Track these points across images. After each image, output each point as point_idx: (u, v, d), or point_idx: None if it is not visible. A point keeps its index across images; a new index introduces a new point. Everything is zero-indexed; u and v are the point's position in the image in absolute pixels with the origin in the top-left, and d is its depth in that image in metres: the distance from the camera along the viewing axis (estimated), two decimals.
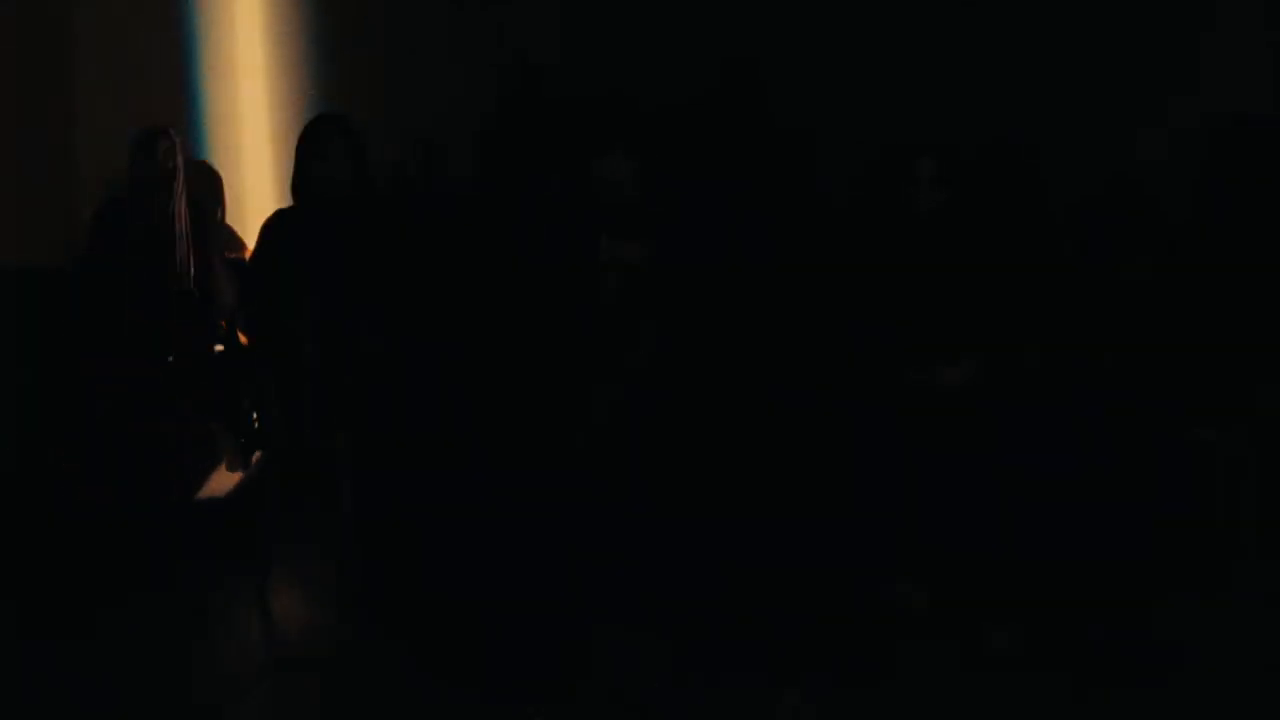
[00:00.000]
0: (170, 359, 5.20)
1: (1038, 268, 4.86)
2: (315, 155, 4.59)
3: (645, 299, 2.10)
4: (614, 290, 2.03)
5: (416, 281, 4.70)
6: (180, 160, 5.12)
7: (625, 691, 2.05)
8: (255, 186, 6.27)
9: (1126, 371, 4.56)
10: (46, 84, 5.57)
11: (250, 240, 5.53)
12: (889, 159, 4.49)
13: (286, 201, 4.72)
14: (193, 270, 5.21)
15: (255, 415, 4.76)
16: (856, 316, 4.33)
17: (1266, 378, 4.40)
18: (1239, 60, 6.10)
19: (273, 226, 4.67)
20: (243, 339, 5.00)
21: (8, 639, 4.14)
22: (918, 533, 4.12)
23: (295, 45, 6.47)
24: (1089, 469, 4.50)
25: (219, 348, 5.14)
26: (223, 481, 4.87)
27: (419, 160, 6.12)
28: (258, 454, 4.66)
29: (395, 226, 4.88)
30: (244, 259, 5.62)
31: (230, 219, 5.96)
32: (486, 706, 2.09)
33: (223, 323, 5.15)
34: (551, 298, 2.06)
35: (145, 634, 4.16)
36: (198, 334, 5.17)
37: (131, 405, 5.20)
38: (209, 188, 5.70)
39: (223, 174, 5.90)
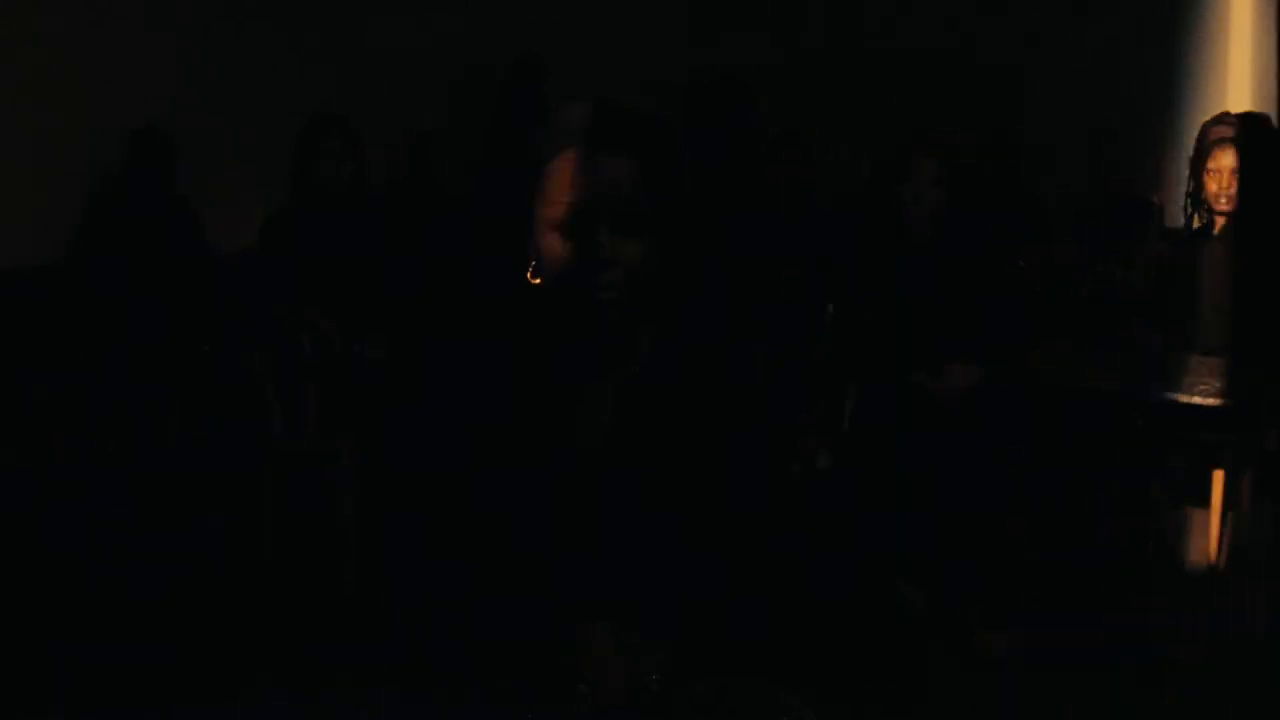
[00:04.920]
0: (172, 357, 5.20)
1: (1037, 268, 4.85)
2: (315, 155, 4.58)
3: (646, 299, 2.08)
4: (614, 290, 2.02)
5: (416, 280, 4.70)
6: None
7: (625, 692, 2.04)
8: None
9: (1129, 374, 4.55)
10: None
11: None
12: (889, 159, 4.48)
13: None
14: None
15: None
16: (860, 318, 4.33)
17: (1268, 379, 4.39)
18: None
19: (273, 225, 4.66)
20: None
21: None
22: (920, 535, 4.12)
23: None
24: (1088, 471, 4.50)
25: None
26: (222, 481, 4.87)
27: (413, 157, 6.13)
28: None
29: (395, 225, 4.88)
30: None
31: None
32: (485, 708, 2.09)
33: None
34: (551, 297, 2.05)
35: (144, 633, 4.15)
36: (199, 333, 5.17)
37: (133, 403, 5.20)
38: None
39: None
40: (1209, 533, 4.31)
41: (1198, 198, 4.46)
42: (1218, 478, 4.33)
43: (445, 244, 5.35)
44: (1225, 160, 4.35)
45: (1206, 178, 4.39)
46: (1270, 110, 6.42)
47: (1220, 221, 4.43)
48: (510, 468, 2.07)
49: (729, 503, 2.10)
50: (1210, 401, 4.05)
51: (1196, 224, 4.49)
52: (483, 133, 6.55)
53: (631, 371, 2.11)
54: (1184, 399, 4.07)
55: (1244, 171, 4.33)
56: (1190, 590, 4.23)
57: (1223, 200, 4.37)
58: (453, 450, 2.10)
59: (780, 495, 2.16)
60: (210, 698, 3.72)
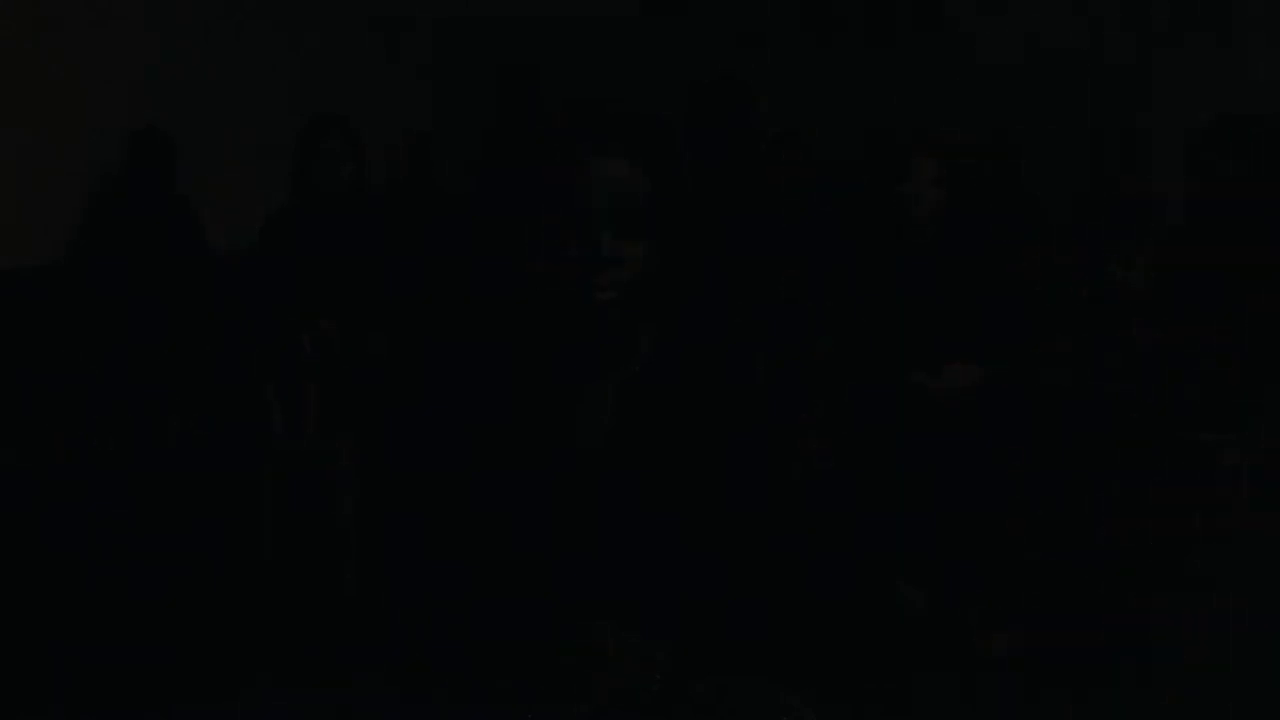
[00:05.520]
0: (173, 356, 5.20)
1: (1037, 269, 4.85)
2: (315, 155, 4.58)
3: (646, 299, 2.09)
4: (614, 290, 2.02)
5: (416, 280, 4.70)
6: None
7: (625, 692, 2.04)
8: None
9: (1128, 374, 4.55)
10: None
11: None
12: (888, 160, 4.48)
13: None
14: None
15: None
16: (860, 318, 4.33)
17: (1269, 379, 4.39)
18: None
19: (273, 225, 4.66)
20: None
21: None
22: (920, 535, 4.12)
23: None
24: (1088, 471, 4.50)
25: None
26: (222, 481, 4.87)
27: (413, 157, 6.13)
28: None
29: (395, 225, 4.87)
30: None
31: None
32: (485, 708, 2.09)
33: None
34: (551, 297, 2.05)
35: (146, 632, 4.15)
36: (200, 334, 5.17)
37: (133, 403, 5.20)
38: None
39: None
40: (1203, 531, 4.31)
41: None
42: (1218, 478, 4.33)
43: (445, 244, 5.35)
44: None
45: None
46: None
47: None
48: (510, 468, 2.07)
49: (729, 503, 2.10)
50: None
51: None
52: (483, 133, 6.56)
53: (631, 371, 2.11)
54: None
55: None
56: (1191, 590, 4.22)
57: None
58: (453, 450, 2.10)
59: (780, 495, 2.16)
60: (210, 698, 3.72)
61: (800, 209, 5.31)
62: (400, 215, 5.38)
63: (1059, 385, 4.48)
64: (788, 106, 6.74)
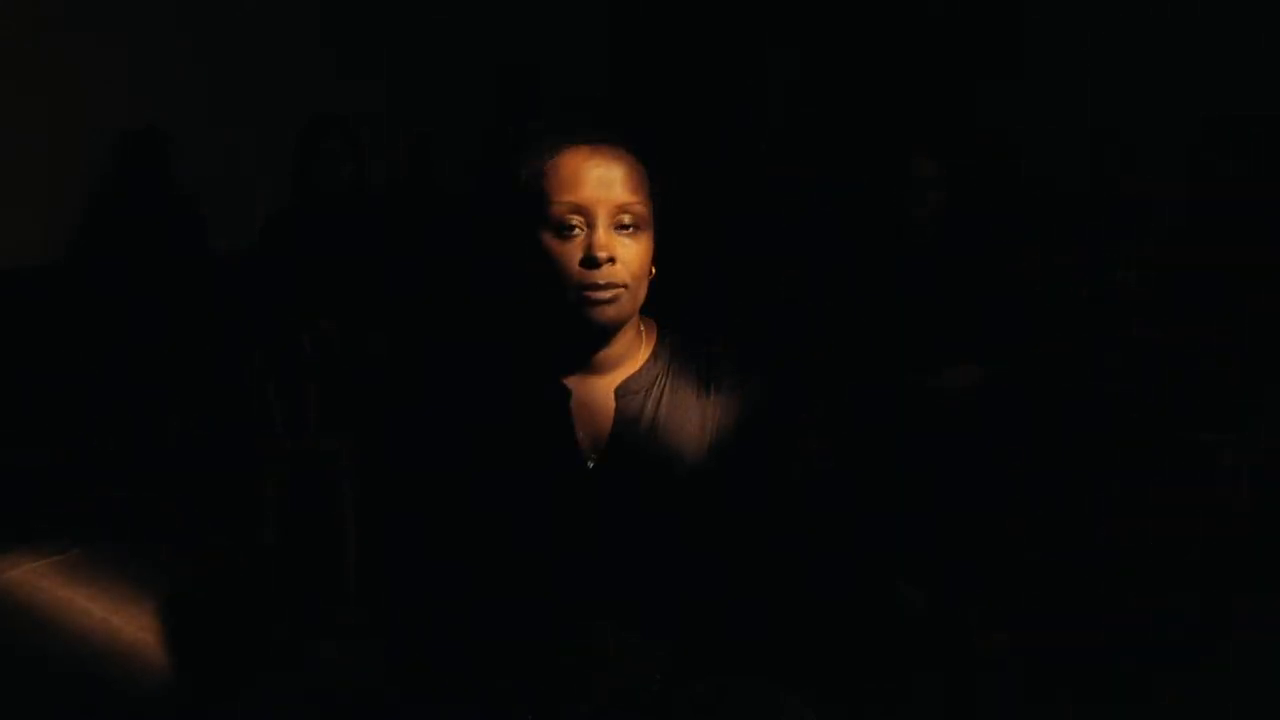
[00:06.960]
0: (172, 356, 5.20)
1: (1037, 269, 4.85)
2: (315, 155, 4.58)
3: (645, 299, 2.09)
4: (613, 290, 2.02)
5: (416, 280, 4.70)
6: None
7: (625, 692, 2.04)
8: None
9: (1128, 374, 4.55)
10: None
11: None
12: (888, 160, 4.48)
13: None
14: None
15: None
16: (860, 318, 4.33)
17: (1269, 379, 4.40)
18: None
19: (273, 225, 4.66)
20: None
21: None
22: (920, 535, 4.12)
23: None
24: (1088, 471, 4.50)
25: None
26: (222, 481, 4.87)
27: (413, 157, 6.13)
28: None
29: (395, 225, 4.87)
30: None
31: None
32: (485, 708, 2.09)
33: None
34: (550, 297, 2.05)
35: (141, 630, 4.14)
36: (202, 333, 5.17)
37: (133, 403, 5.20)
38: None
39: None
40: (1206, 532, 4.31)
41: None
42: (1219, 478, 4.33)
43: (445, 244, 5.35)
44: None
45: None
46: None
47: None
48: (510, 468, 2.07)
49: (729, 503, 2.10)
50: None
51: None
52: (483, 133, 6.56)
53: (632, 373, 2.11)
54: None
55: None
56: (1190, 590, 4.23)
57: None
58: (453, 450, 2.10)
59: (780, 495, 2.16)
60: (210, 698, 3.72)
61: (800, 209, 5.31)
62: (400, 215, 5.37)
63: (1059, 385, 4.48)
64: (788, 106, 6.75)
